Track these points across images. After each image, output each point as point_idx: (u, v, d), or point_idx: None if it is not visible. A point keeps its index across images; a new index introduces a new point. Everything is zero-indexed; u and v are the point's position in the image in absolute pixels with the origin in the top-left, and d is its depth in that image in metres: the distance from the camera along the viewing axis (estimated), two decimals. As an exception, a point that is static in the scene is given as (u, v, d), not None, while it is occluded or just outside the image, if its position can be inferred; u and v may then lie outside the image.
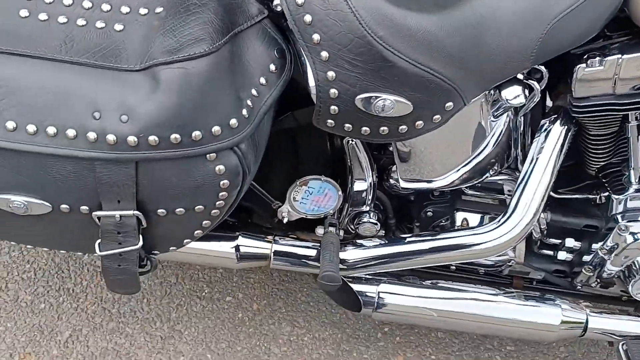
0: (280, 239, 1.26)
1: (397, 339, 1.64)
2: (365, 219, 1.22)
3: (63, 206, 0.90)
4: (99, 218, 0.92)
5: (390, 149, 1.13)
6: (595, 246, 1.18)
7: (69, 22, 0.84)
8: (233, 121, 0.85)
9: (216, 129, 0.84)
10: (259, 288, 1.74)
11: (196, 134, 0.84)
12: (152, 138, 0.82)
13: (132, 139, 0.82)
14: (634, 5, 0.92)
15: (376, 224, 1.22)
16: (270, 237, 1.26)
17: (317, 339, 1.65)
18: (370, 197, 1.18)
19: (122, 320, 1.66)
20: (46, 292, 1.70)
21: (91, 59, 0.82)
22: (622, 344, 1.19)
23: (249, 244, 1.25)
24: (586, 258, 1.20)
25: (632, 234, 1.11)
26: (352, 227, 1.25)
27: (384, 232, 1.28)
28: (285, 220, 1.23)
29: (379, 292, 1.24)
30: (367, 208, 1.21)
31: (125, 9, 0.86)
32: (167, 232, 0.98)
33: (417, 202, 1.26)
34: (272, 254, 1.25)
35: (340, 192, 1.17)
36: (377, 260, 1.20)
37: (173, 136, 0.83)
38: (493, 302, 1.22)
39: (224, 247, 1.25)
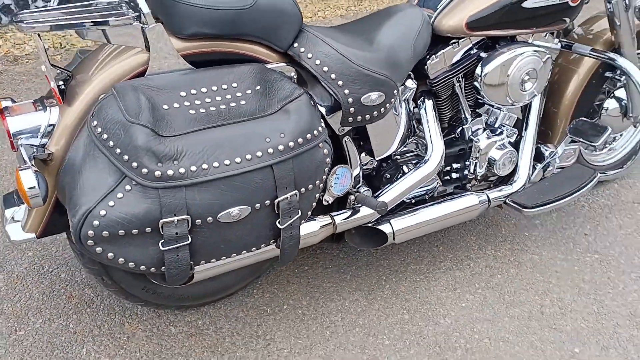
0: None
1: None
2: (362, 189, 1.73)
3: (257, 205, 1.30)
4: (278, 204, 1.32)
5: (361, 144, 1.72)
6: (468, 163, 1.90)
7: (216, 106, 1.29)
8: (321, 126, 1.39)
9: (319, 129, 1.37)
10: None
11: (313, 133, 1.36)
12: (298, 140, 1.32)
13: (290, 144, 1.31)
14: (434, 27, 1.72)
15: (369, 189, 1.74)
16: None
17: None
18: (361, 174, 1.73)
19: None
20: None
21: (251, 117, 1.31)
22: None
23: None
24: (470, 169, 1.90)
25: (479, 142, 1.84)
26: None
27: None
28: (325, 204, 1.66)
29: (393, 226, 1.71)
30: (362, 182, 1.73)
31: (240, 93, 1.34)
32: (304, 205, 1.42)
33: (377, 172, 1.78)
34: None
35: (352, 172, 1.66)
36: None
37: (304, 137, 1.34)
38: (448, 205, 1.79)
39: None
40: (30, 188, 1.21)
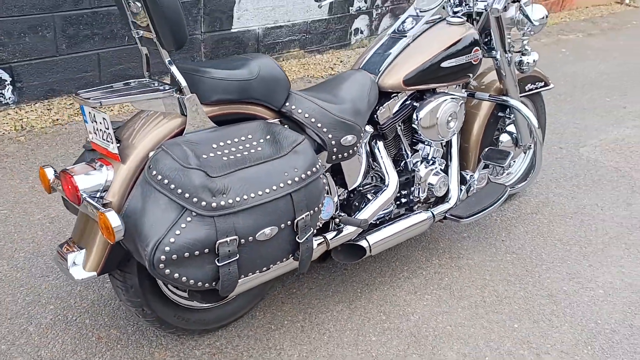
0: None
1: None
2: (340, 214, 2.09)
3: (282, 225, 1.63)
4: (297, 223, 1.66)
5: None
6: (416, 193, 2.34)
7: (241, 153, 1.63)
8: (319, 162, 1.75)
9: (319, 164, 1.74)
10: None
11: (317, 167, 1.73)
12: (307, 173, 1.69)
13: (302, 176, 1.67)
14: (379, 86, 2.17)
15: (344, 214, 2.10)
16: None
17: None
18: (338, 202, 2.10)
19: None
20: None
21: (269, 158, 1.65)
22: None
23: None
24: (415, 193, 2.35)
25: (419, 172, 2.30)
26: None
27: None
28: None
29: (369, 241, 2.10)
30: (338, 209, 2.10)
31: (255, 142, 1.68)
32: (314, 223, 1.74)
33: (348, 201, 2.17)
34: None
35: (334, 200, 2.04)
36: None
37: (311, 170, 1.70)
38: (406, 221, 2.22)
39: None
40: (116, 226, 1.48)
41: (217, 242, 1.52)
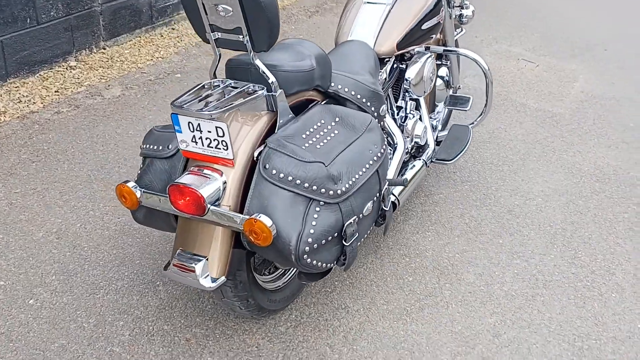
0: None
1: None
2: None
3: (374, 198, 1.76)
4: (384, 193, 1.80)
5: None
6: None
7: (326, 138, 1.70)
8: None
9: (384, 139, 1.87)
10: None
11: (385, 140, 1.87)
12: (382, 147, 1.80)
13: (381, 151, 1.79)
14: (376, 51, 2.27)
15: None
16: None
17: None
18: None
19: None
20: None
21: (352, 139, 1.75)
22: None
23: None
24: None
25: (408, 125, 2.46)
26: None
27: None
28: None
29: (396, 195, 2.22)
30: None
31: (330, 126, 1.75)
32: (389, 190, 1.89)
33: None
34: None
35: None
36: None
37: (384, 144, 1.81)
38: (413, 169, 2.40)
39: None
40: (271, 225, 1.51)
41: (345, 225, 1.62)
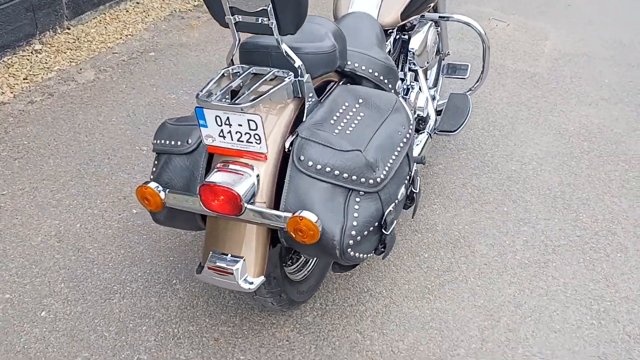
0: None
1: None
2: None
3: (405, 182, 1.68)
4: (413, 176, 1.76)
5: None
6: None
7: (353, 122, 1.62)
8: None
9: (411, 117, 1.79)
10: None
11: (413, 120, 1.78)
12: (410, 128, 1.71)
13: (409, 131, 1.70)
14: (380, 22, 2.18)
15: None
16: None
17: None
18: None
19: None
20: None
21: (379, 122, 1.66)
22: None
23: None
24: None
25: (410, 97, 2.36)
26: None
27: None
28: None
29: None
30: None
31: (354, 109, 1.66)
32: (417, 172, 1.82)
33: None
34: None
35: None
36: None
37: (411, 124, 1.73)
38: (419, 144, 2.33)
39: None
40: (316, 221, 1.42)
41: (385, 213, 1.55)
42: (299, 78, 1.56)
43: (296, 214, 1.43)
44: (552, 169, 2.76)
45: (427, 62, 2.42)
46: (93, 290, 2.01)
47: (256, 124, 1.42)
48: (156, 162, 1.66)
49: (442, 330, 1.96)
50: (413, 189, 1.77)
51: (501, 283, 2.15)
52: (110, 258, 2.14)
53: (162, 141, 1.63)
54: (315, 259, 1.99)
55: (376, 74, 1.90)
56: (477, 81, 2.81)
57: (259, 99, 1.44)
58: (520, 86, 3.45)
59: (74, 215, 2.32)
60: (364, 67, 1.87)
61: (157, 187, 1.55)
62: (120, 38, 3.56)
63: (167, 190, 1.56)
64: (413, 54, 2.32)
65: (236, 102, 1.43)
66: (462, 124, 2.57)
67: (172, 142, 1.61)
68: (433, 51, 2.43)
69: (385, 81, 1.93)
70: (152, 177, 1.65)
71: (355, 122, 1.62)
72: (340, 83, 1.82)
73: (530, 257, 2.27)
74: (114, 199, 2.38)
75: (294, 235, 1.45)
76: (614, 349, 1.93)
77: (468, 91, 2.80)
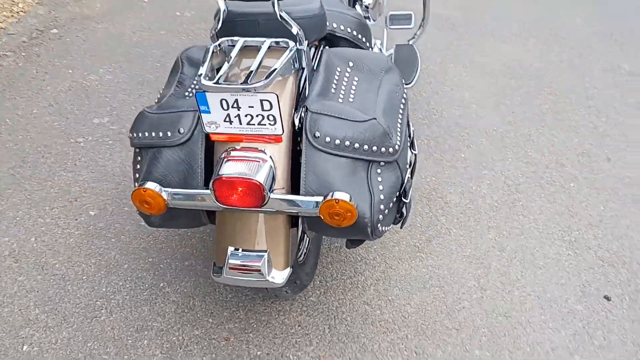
0: None
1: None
2: None
3: (408, 144, 1.58)
4: (412, 138, 1.64)
5: None
6: None
7: (353, 88, 1.49)
8: None
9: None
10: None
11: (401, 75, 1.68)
12: (403, 85, 1.59)
13: (405, 91, 1.60)
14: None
15: None
16: None
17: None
18: None
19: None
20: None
21: (376, 85, 1.51)
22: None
23: None
24: None
25: None
26: None
27: None
28: None
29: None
30: None
31: (347, 74, 1.53)
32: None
33: None
34: None
35: None
36: None
37: (402, 80, 1.62)
38: None
39: None
40: (351, 201, 1.30)
41: (405, 180, 1.47)
42: (298, 46, 1.41)
43: (329, 197, 1.30)
44: (491, 110, 2.82)
45: (380, 14, 2.33)
46: (74, 311, 1.77)
47: (271, 104, 1.26)
48: (139, 159, 1.45)
49: (442, 287, 1.96)
50: (412, 151, 1.68)
51: (480, 229, 2.19)
52: (81, 271, 1.89)
53: (144, 134, 1.41)
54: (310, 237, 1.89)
55: (354, 32, 1.78)
56: (419, 28, 2.74)
57: (272, 75, 1.28)
58: (440, 30, 3.47)
59: (24, 228, 2.01)
60: (342, 27, 1.74)
61: (158, 187, 1.35)
62: (12, 16, 3.08)
63: (172, 190, 1.36)
64: (367, 7, 2.21)
65: (249, 82, 1.25)
66: (415, 75, 2.52)
67: (159, 134, 1.40)
68: (383, 3, 2.34)
69: (363, 39, 1.81)
70: (137, 175, 1.44)
71: (353, 87, 1.49)
72: (322, 47, 1.68)
73: (499, 199, 2.33)
74: (63, 202, 2.09)
75: (329, 220, 1.33)
76: (593, 275, 2.04)
77: (411, 39, 2.74)
